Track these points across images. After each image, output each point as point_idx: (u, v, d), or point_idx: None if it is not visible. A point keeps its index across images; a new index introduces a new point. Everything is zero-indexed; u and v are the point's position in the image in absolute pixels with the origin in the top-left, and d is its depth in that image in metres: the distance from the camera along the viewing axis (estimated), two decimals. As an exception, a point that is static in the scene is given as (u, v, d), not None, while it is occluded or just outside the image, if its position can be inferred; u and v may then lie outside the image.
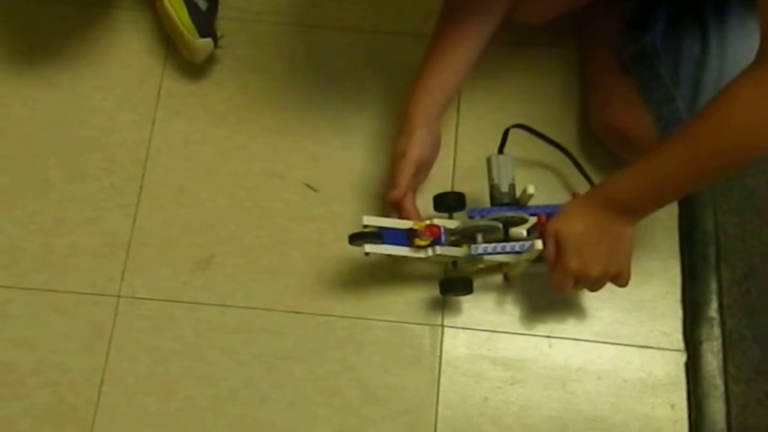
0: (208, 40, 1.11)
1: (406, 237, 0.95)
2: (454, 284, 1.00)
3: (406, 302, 1.06)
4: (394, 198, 0.97)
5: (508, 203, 0.98)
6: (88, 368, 1.03)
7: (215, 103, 1.15)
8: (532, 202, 0.98)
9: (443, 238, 0.95)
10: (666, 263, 1.09)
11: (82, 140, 1.13)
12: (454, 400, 1.03)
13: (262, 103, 1.15)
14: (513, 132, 1.04)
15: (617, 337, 1.05)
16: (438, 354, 1.04)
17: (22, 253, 1.08)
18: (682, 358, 1.05)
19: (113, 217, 1.09)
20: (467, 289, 1.00)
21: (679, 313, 1.07)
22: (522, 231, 1.00)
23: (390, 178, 0.99)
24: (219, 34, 1.14)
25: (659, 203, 0.90)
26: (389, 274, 1.07)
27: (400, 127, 1.00)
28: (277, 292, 1.06)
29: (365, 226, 0.94)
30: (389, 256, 0.95)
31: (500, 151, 1.03)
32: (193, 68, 1.16)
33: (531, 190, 0.96)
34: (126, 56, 1.17)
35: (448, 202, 1.00)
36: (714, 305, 1.06)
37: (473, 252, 0.94)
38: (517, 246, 0.95)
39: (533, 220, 0.97)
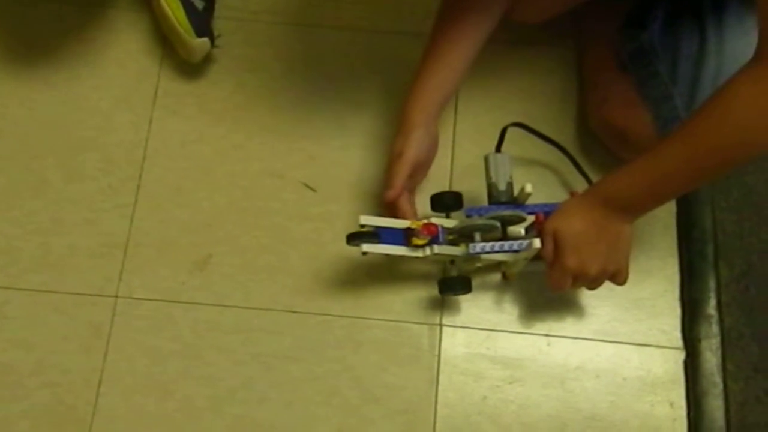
0: (205, 40, 1.11)
1: (404, 236, 0.95)
2: (452, 283, 1.00)
3: (405, 301, 1.06)
4: (389, 198, 0.97)
5: (506, 202, 0.98)
6: (86, 369, 1.03)
7: (212, 103, 1.15)
8: (530, 201, 0.98)
9: (441, 237, 0.95)
10: (664, 261, 1.09)
11: (79, 140, 1.13)
12: (453, 399, 1.03)
13: (259, 102, 1.15)
14: (511, 131, 1.04)
15: (616, 335, 1.05)
16: (437, 353, 1.04)
17: (19, 254, 1.07)
18: (681, 356, 1.05)
19: (111, 217, 1.09)
20: (466, 288, 1.00)
21: (678, 310, 1.07)
22: (520, 230, 1.00)
23: (386, 178, 0.99)
24: (216, 33, 1.14)
25: (658, 201, 0.90)
26: (387, 273, 1.07)
27: (398, 126, 1.00)
28: (275, 291, 1.06)
29: (362, 226, 0.94)
30: (387, 255, 0.95)
31: (498, 149, 1.03)
32: (190, 68, 1.15)
33: (529, 188, 0.96)
34: (123, 56, 1.17)
35: (445, 202, 1.00)
36: (712, 303, 1.06)
37: (471, 251, 0.94)
38: (515, 245, 0.95)
39: (531, 218, 0.97)
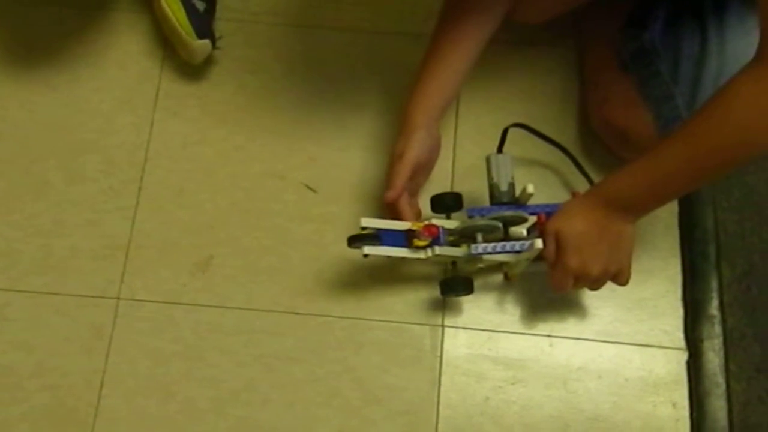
0: (206, 42, 1.11)
1: (405, 238, 0.95)
2: (454, 284, 1.00)
3: (406, 302, 1.06)
4: (390, 198, 0.97)
5: (508, 202, 0.98)
6: (87, 371, 1.03)
7: (214, 105, 1.15)
8: (531, 201, 0.98)
9: (442, 238, 0.95)
10: (666, 261, 1.08)
11: (80, 142, 1.13)
12: (455, 400, 1.03)
13: (260, 104, 1.15)
14: (512, 131, 1.04)
15: (618, 335, 1.05)
16: (438, 354, 1.04)
17: (20, 256, 1.07)
18: (684, 356, 1.05)
19: (112, 219, 1.09)
20: (468, 289, 1.00)
21: (680, 311, 1.07)
22: (522, 230, 1.00)
23: (387, 179, 0.99)
24: (217, 35, 1.14)
25: (659, 201, 0.90)
26: (389, 274, 1.07)
27: (399, 128, 1.00)
28: (277, 293, 1.06)
29: (363, 228, 0.94)
30: (388, 257, 0.95)
31: (499, 150, 1.03)
32: (191, 69, 1.15)
33: (530, 189, 0.96)
34: (124, 58, 1.17)
35: (446, 203, 0.99)
36: (715, 303, 1.06)
37: (473, 251, 0.94)
38: (516, 245, 0.95)
39: (533, 219, 0.97)
